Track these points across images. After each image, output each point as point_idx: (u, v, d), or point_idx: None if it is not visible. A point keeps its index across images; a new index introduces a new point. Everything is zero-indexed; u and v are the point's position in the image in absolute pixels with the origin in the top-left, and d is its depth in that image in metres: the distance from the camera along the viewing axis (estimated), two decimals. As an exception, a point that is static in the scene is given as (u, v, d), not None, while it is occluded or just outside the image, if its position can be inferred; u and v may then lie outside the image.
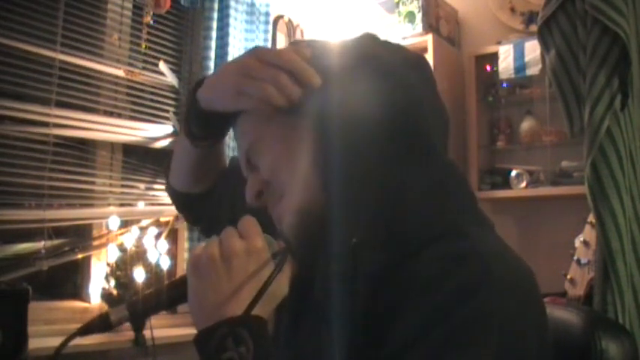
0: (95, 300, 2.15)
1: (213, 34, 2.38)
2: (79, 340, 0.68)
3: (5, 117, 1.96)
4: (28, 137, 2.02)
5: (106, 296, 2.11)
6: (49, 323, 1.99)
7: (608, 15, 1.47)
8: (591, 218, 1.56)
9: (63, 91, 2.09)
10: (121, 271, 2.10)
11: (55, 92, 2.06)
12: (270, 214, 0.76)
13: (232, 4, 2.43)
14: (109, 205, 2.24)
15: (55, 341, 0.68)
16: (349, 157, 0.69)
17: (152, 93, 2.41)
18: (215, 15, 2.40)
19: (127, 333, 2.00)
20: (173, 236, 2.39)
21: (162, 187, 2.20)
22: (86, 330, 0.68)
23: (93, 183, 2.22)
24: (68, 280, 2.23)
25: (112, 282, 2.10)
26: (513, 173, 2.50)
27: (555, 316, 0.92)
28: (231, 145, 2.21)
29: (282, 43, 2.74)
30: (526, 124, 2.57)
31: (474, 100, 2.63)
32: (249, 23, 2.52)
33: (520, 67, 2.46)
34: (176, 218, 2.34)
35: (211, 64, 2.36)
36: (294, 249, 0.67)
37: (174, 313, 2.28)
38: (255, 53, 0.73)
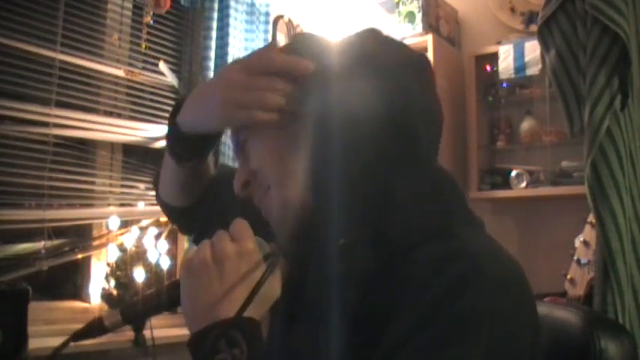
0: (95, 300, 2.16)
1: (213, 34, 2.38)
2: (78, 340, 0.68)
3: (5, 117, 1.96)
4: (28, 137, 2.02)
5: (106, 296, 2.11)
6: (49, 323, 1.99)
7: (608, 15, 1.47)
8: (591, 218, 1.56)
9: (63, 91, 2.09)
10: (121, 271, 2.10)
11: (55, 92, 2.06)
12: (261, 215, 0.76)
13: (232, 4, 2.43)
14: (109, 205, 2.24)
15: (55, 341, 0.68)
16: (339, 157, 0.69)
17: (152, 93, 2.41)
18: (215, 15, 2.40)
19: (127, 333, 2.00)
20: (173, 236, 2.39)
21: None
22: (80, 336, 0.68)
23: (93, 183, 2.22)
24: (68, 280, 2.24)
25: (112, 282, 2.10)
26: (513, 173, 2.50)
27: (555, 315, 0.92)
28: (227, 144, 2.21)
29: (282, 43, 2.73)
30: (526, 124, 2.57)
31: (474, 100, 2.63)
32: (249, 23, 2.52)
33: (520, 67, 2.46)
34: (176, 218, 2.34)
35: (211, 64, 2.36)
36: (285, 250, 0.67)
37: (174, 313, 2.28)
38: (239, 65, 0.74)
